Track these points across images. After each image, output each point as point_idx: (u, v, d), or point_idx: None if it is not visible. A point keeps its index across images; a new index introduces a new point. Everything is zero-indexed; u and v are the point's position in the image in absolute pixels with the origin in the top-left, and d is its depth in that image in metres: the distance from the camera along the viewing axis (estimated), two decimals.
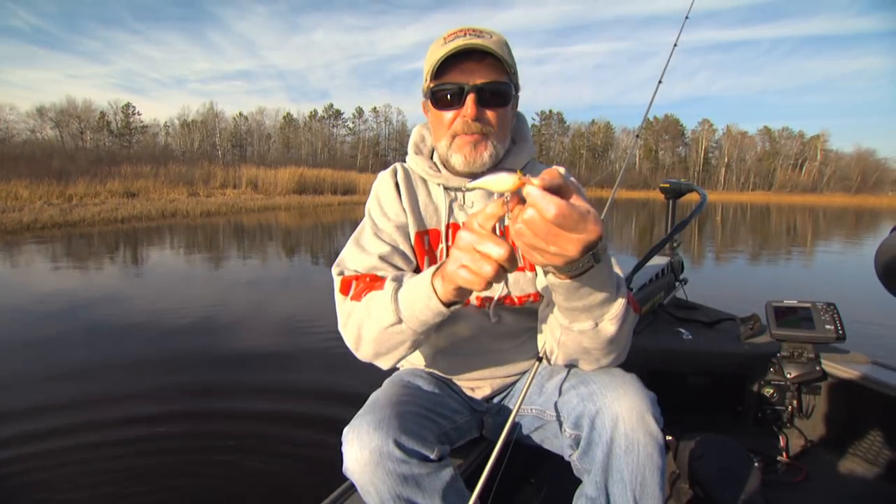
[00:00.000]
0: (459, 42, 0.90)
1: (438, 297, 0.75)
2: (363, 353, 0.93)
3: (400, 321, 0.82)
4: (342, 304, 0.94)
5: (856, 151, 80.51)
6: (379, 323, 0.85)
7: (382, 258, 0.97)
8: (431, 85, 0.95)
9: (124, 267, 7.13)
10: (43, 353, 3.57)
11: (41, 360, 3.42)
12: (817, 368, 1.53)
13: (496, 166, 1.00)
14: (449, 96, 0.94)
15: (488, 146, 0.97)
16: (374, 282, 0.91)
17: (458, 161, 0.98)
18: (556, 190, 0.58)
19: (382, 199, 1.06)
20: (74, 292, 5.46)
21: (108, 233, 11.00)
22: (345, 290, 0.94)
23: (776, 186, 76.51)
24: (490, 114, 0.95)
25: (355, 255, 0.99)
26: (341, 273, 0.98)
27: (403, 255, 1.01)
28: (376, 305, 0.85)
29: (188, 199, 18.98)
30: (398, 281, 0.86)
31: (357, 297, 0.90)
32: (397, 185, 1.06)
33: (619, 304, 0.78)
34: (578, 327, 0.80)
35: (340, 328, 0.95)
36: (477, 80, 0.92)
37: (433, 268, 0.77)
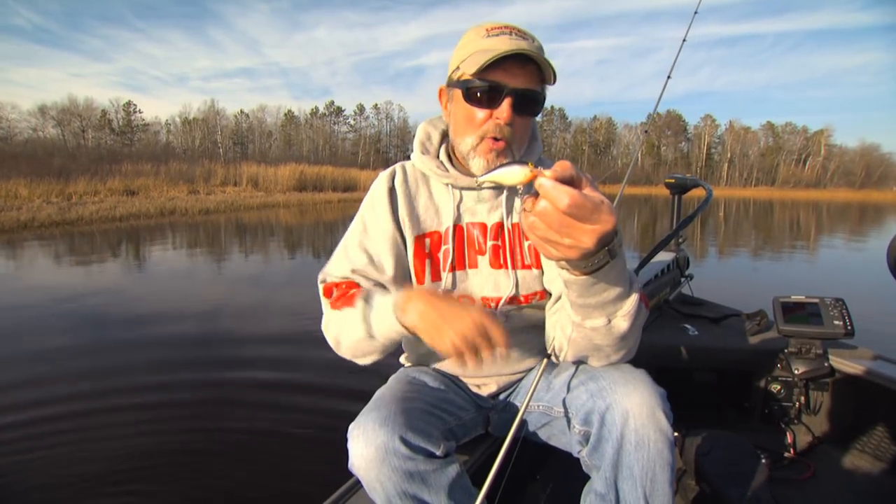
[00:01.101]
0: (508, 43, 0.88)
1: (402, 324, 0.84)
2: (343, 354, 1.00)
3: (371, 336, 0.90)
4: (325, 309, 1.00)
5: (860, 146, 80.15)
6: (352, 336, 0.93)
7: (358, 270, 1.01)
8: (468, 77, 0.91)
9: (114, 264, 7.14)
10: (33, 350, 3.57)
11: (40, 356, 3.43)
12: (825, 364, 1.51)
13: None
14: (482, 94, 0.90)
15: (509, 156, 0.96)
16: (350, 289, 0.97)
17: (478, 165, 0.96)
18: (569, 181, 0.57)
19: (375, 205, 1.05)
20: (60, 287, 5.47)
21: (104, 231, 10.99)
22: (327, 294, 1.00)
23: (779, 182, 76.25)
24: (519, 121, 0.93)
25: (338, 262, 1.04)
26: (324, 280, 1.03)
27: (382, 265, 1.02)
28: (349, 321, 0.92)
29: (188, 197, 18.99)
30: (366, 300, 0.92)
31: (336, 307, 0.96)
32: (393, 190, 1.04)
33: (633, 300, 0.77)
34: (591, 324, 0.79)
35: (323, 330, 1.01)
36: (517, 84, 0.89)
37: (400, 295, 0.85)
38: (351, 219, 1.07)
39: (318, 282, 1.03)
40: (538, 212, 0.58)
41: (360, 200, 1.10)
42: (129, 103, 63.12)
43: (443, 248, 1.03)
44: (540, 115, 1.06)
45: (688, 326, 1.82)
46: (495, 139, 0.93)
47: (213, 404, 2.74)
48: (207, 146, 62.69)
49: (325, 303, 1.00)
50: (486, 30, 0.92)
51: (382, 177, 1.08)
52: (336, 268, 1.02)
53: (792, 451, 1.51)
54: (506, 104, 0.89)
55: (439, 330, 0.77)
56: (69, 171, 18.89)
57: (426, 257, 1.03)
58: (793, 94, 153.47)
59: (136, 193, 18.76)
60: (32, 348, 3.57)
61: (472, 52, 0.90)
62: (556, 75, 0.92)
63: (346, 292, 0.96)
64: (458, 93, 0.94)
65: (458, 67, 0.94)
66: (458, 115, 0.96)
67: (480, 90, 0.90)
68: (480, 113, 0.92)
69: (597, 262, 0.66)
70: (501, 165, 0.63)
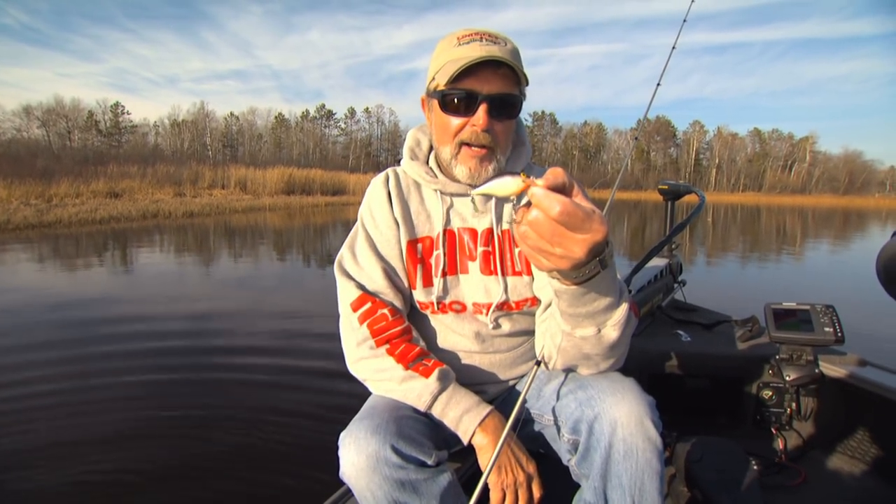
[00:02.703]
0: (478, 50, 0.88)
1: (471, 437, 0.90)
2: (355, 373, 1.01)
3: (427, 409, 0.92)
4: (371, 343, 0.97)
5: (844, 153, 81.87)
6: (405, 398, 0.93)
7: (376, 282, 1.01)
8: (442, 87, 0.92)
9: (93, 268, 7.03)
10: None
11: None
12: (816, 371, 1.52)
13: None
14: (459, 102, 0.91)
15: (493, 161, 0.96)
16: (408, 341, 0.97)
17: (461, 172, 0.97)
18: (561, 188, 0.57)
19: (375, 210, 1.05)
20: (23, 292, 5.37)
21: (82, 234, 10.71)
22: (355, 306, 0.99)
23: (766, 188, 77.44)
24: (498, 126, 0.93)
25: (353, 266, 1.03)
26: (346, 275, 1.02)
27: (395, 273, 1.03)
28: (412, 383, 0.93)
29: (173, 200, 18.57)
30: (443, 379, 0.93)
31: (402, 363, 0.94)
32: (389, 194, 1.05)
33: (622, 310, 0.77)
34: (581, 333, 0.79)
35: (351, 358, 1.00)
36: (491, 89, 0.90)
37: (477, 418, 0.90)
38: (342, 222, 1.07)
39: (337, 274, 1.03)
40: (530, 221, 0.58)
41: (348, 204, 1.10)
42: (116, 104, 62.64)
43: (434, 253, 1.03)
44: (531, 120, 1.06)
45: (680, 332, 1.82)
46: (471, 146, 0.94)
47: (201, 411, 2.69)
48: (196, 148, 62.32)
49: (349, 312, 0.99)
50: (458, 38, 0.92)
51: (378, 182, 1.08)
52: (353, 271, 1.03)
53: (783, 456, 1.51)
54: (481, 111, 0.90)
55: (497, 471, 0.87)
56: (52, 173, 18.39)
57: (418, 262, 1.03)
58: (779, 101, 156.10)
59: (120, 196, 18.33)
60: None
61: (445, 62, 0.91)
62: (527, 78, 0.93)
63: (411, 349, 0.96)
64: (435, 103, 0.95)
65: (433, 78, 0.95)
66: (438, 124, 0.97)
67: (456, 98, 0.91)
68: (457, 121, 0.93)
69: (588, 272, 0.66)
70: (494, 177, 0.63)
